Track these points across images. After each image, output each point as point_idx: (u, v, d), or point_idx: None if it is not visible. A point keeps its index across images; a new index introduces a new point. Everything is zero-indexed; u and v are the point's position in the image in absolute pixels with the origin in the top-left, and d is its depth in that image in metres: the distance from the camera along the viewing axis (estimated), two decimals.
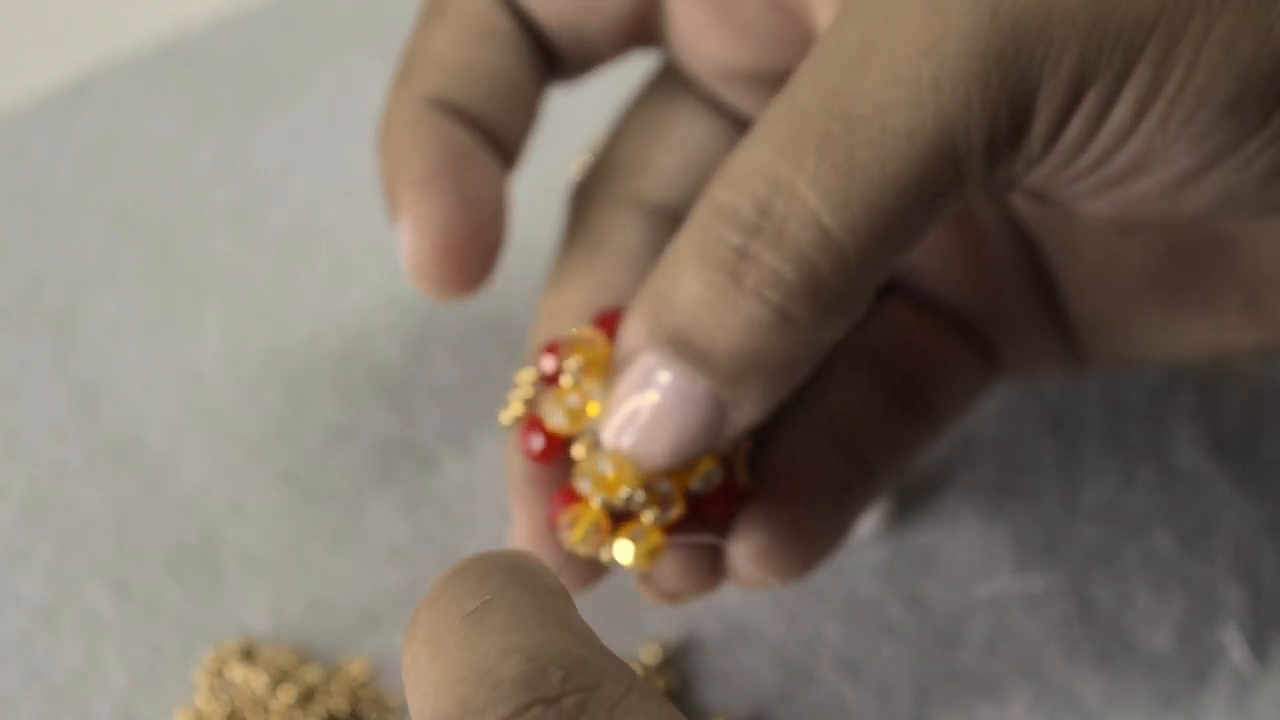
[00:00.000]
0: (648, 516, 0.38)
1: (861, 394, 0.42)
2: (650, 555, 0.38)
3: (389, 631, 0.47)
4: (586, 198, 0.43)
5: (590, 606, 0.46)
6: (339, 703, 0.45)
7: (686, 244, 0.36)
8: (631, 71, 0.45)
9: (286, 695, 0.45)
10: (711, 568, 0.40)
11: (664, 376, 0.36)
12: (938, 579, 0.47)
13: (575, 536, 0.38)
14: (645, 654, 0.46)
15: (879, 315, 0.43)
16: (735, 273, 0.35)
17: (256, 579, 0.47)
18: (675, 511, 0.38)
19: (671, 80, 0.44)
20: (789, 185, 0.35)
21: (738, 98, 0.43)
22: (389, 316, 0.52)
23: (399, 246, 0.41)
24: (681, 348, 0.36)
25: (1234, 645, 0.46)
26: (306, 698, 0.45)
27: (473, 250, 0.41)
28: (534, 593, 0.32)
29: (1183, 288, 0.42)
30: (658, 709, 0.31)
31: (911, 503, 0.48)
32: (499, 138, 0.42)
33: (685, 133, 0.43)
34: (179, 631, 0.47)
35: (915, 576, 0.47)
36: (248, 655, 0.46)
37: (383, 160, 0.42)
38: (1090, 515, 0.48)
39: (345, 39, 0.58)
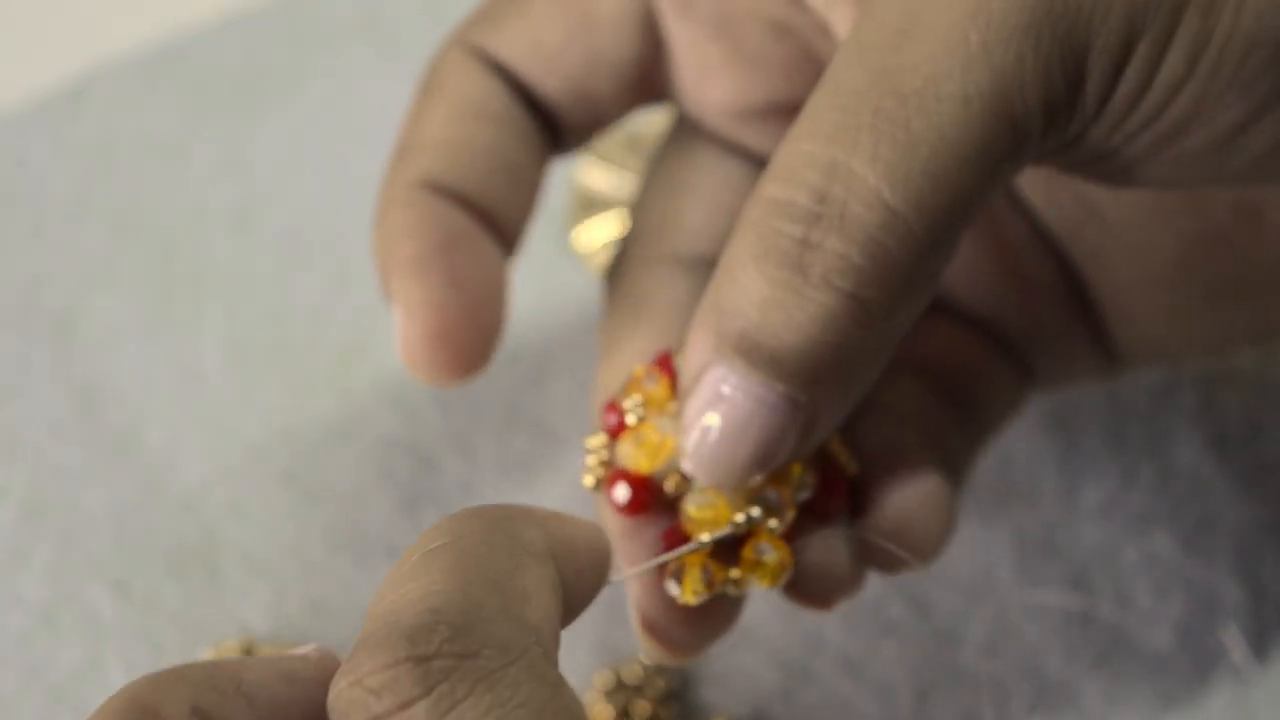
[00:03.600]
0: (770, 524, 0.36)
1: (921, 398, 0.41)
2: (780, 569, 0.37)
3: None
4: (622, 264, 0.42)
5: (590, 605, 0.46)
6: None
7: (741, 248, 0.35)
8: None
9: None
10: (852, 562, 0.38)
11: (736, 387, 0.35)
12: (938, 579, 0.47)
13: (687, 591, 0.36)
14: (646, 654, 0.46)
15: (922, 329, 0.42)
16: (800, 265, 0.34)
17: (256, 579, 0.47)
18: (791, 514, 0.37)
19: (685, 133, 0.43)
20: (845, 167, 0.34)
21: (750, 137, 0.42)
22: (389, 317, 0.52)
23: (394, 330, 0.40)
24: (751, 354, 0.35)
25: (1234, 645, 0.46)
26: None
27: (467, 336, 0.39)
28: (494, 546, 0.32)
29: (1221, 270, 0.42)
30: (539, 688, 0.30)
31: None
32: (497, 220, 0.41)
33: (708, 182, 0.42)
34: (179, 631, 0.47)
35: (915, 576, 0.47)
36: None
37: (376, 245, 0.41)
38: (1090, 515, 0.48)
39: (345, 38, 0.58)
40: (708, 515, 0.36)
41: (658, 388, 0.37)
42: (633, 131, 0.55)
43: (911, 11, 0.34)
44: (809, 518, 0.38)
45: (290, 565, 0.48)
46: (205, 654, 0.46)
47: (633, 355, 0.40)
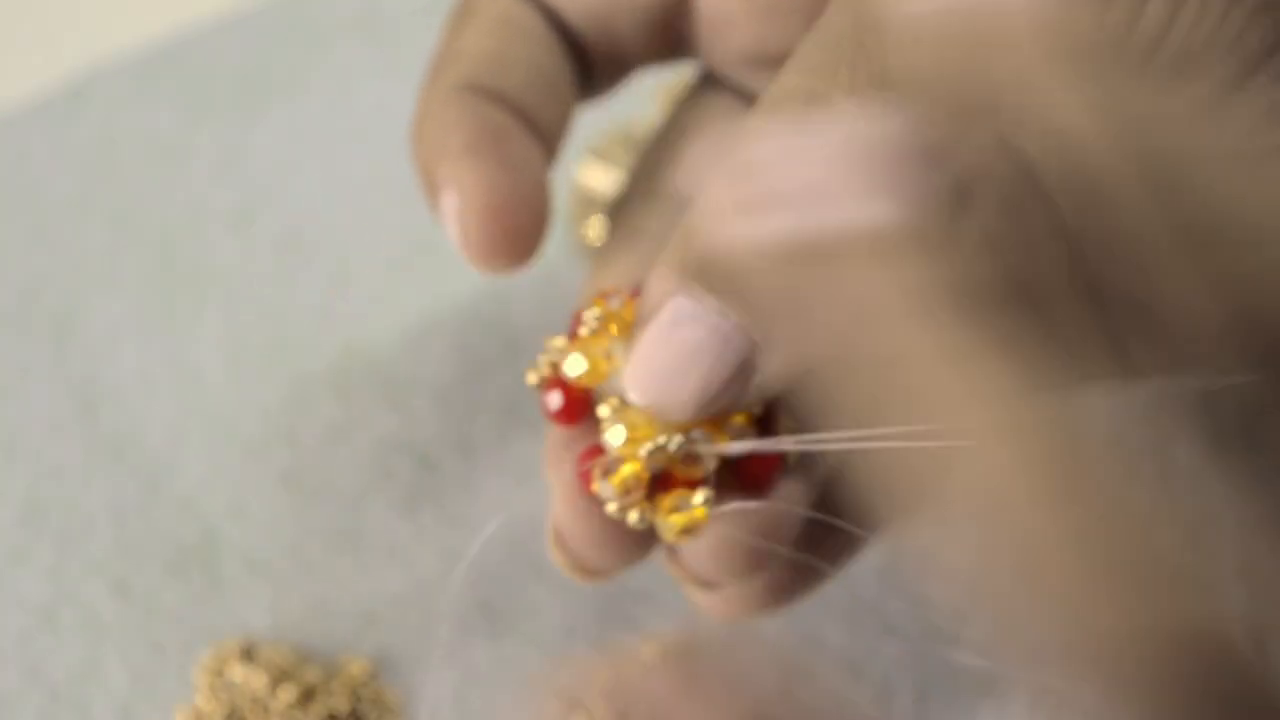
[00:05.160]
0: (683, 470, 0.36)
1: None
2: (690, 528, 0.36)
3: (389, 631, 0.47)
4: (623, 199, 0.43)
5: (589, 604, 0.46)
6: (339, 702, 0.45)
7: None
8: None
9: (286, 695, 0.45)
10: (749, 553, 0.38)
11: (692, 313, 0.35)
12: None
13: (616, 485, 0.36)
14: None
15: None
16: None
17: (256, 579, 0.47)
18: (710, 462, 0.36)
19: (704, 87, 0.44)
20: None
21: (766, 84, 0.42)
22: (389, 316, 0.52)
23: (445, 230, 0.39)
24: (712, 279, 0.34)
25: None
26: (306, 697, 0.45)
27: (522, 218, 0.39)
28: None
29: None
30: None
31: None
32: (537, 124, 0.41)
33: (716, 128, 0.43)
34: (179, 631, 0.47)
35: (916, 576, 0.47)
36: (248, 655, 0.46)
37: (418, 148, 0.40)
38: None
39: (345, 38, 0.58)
40: (635, 435, 0.36)
41: (623, 308, 0.37)
42: (631, 131, 0.55)
43: None
44: (732, 489, 0.37)
45: (290, 565, 0.48)
46: (205, 654, 0.46)
47: (616, 275, 0.40)
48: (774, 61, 0.41)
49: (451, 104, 0.40)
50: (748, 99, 0.43)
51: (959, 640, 0.46)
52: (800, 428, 0.38)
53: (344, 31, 0.58)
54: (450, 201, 0.39)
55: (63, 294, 0.52)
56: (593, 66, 0.43)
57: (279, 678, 0.45)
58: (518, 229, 0.39)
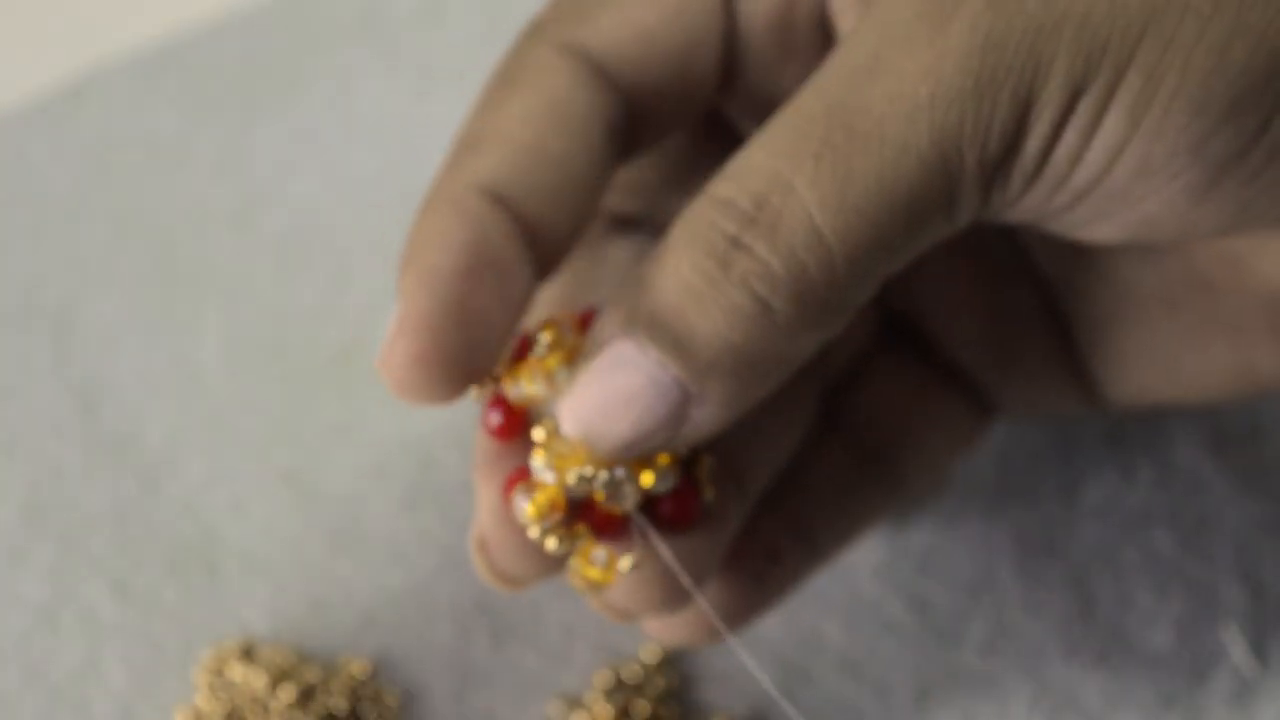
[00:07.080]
0: (601, 498, 0.37)
1: (827, 465, 0.42)
2: (603, 579, 0.38)
3: (389, 631, 0.47)
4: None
5: (589, 605, 0.46)
6: (338, 702, 0.45)
7: (677, 234, 0.36)
8: None
9: (286, 695, 0.45)
10: (666, 588, 0.39)
11: (634, 360, 0.36)
12: (938, 579, 0.47)
13: (531, 510, 0.37)
14: (645, 653, 0.46)
15: (867, 379, 0.43)
16: (725, 261, 0.35)
17: (256, 579, 0.47)
18: (630, 500, 0.37)
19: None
20: (786, 182, 0.35)
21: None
22: (389, 316, 0.52)
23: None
24: (657, 332, 0.36)
25: (1234, 645, 0.46)
26: (306, 697, 0.45)
27: (450, 371, 0.38)
28: None
29: (1204, 313, 0.42)
30: None
31: (911, 503, 0.48)
32: (545, 240, 0.39)
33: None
34: (179, 631, 0.47)
35: (915, 576, 0.47)
36: (247, 655, 0.46)
37: (412, 233, 0.39)
38: (1090, 515, 0.48)
39: (345, 39, 0.58)
40: (561, 462, 0.37)
41: (572, 337, 0.38)
42: None
43: (877, 55, 0.35)
44: (648, 513, 0.38)
45: (290, 565, 0.48)
46: (205, 654, 0.46)
47: (562, 296, 0.41)
48: (767, 107, 0.41)
49: (458, 207, 0.38)
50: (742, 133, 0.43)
51: (959, 639, 0.46)
52: (723, 471, 0.40)
53: (344, 31, 0.58)
54: (393, 320, 0.38)
55: (62, 294, 0.52)
56: (653, 121, 0.41)
57: (278, 677, 0.45)
58: (440, 381, 0.38)
